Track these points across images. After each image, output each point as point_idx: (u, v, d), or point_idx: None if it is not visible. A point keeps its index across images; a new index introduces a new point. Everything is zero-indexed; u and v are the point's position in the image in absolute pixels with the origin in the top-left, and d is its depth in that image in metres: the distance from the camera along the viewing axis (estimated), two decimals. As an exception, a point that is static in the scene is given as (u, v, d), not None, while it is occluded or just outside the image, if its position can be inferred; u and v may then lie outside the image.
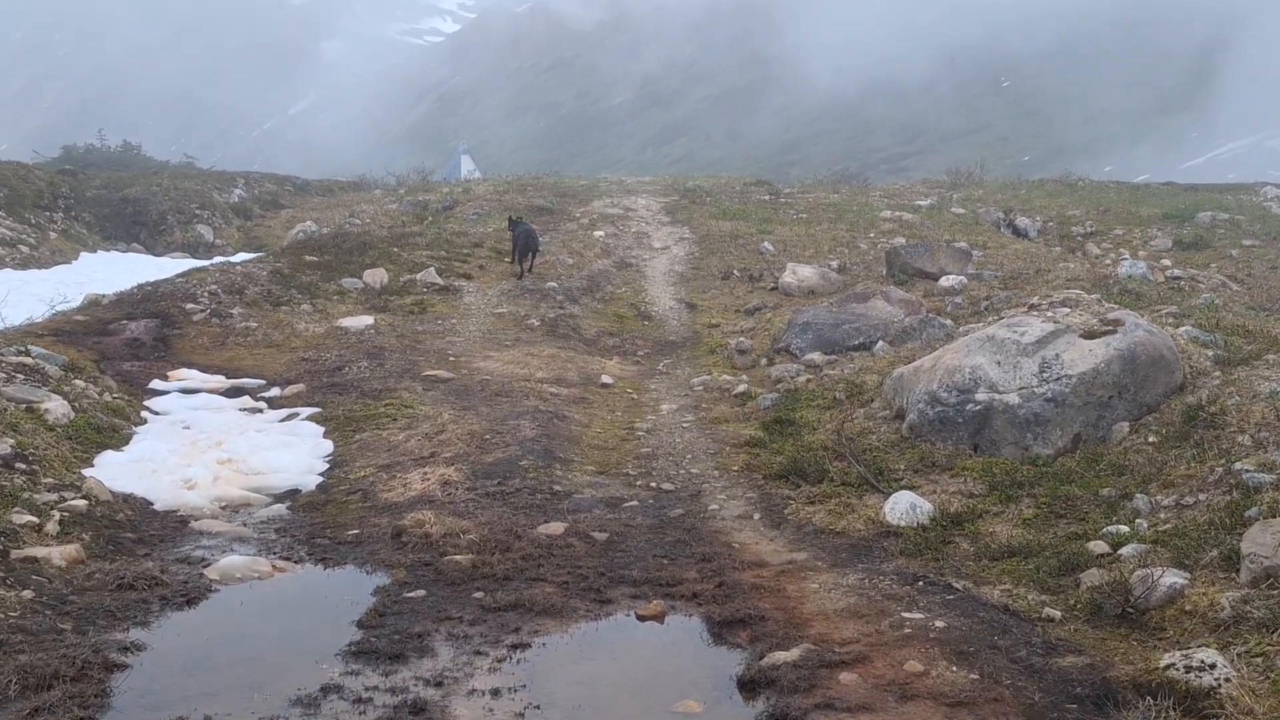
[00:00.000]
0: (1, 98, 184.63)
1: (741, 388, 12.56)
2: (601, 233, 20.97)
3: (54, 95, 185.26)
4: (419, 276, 17.22)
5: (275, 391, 12.31)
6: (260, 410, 11.66)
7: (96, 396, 10.94)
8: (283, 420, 11.28)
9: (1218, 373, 9.18)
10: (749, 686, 5.61)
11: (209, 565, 7.32)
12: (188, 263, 21.19)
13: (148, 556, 7.50)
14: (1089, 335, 9.12)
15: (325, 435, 10.78)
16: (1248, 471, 7.06)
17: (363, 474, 9.50)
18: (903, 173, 66.20)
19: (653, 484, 9.39)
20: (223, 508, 8.83)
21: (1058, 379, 8.87)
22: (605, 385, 13.07)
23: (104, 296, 15.62)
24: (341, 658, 5.90)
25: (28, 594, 6.44)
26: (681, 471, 9.76)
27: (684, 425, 11.36)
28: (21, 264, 20.80)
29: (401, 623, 6.35)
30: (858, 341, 13.74)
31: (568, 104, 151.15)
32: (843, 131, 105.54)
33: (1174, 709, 4.91)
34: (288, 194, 32.07)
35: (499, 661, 5.88)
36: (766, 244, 20.07)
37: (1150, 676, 5.28)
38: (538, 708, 5.38)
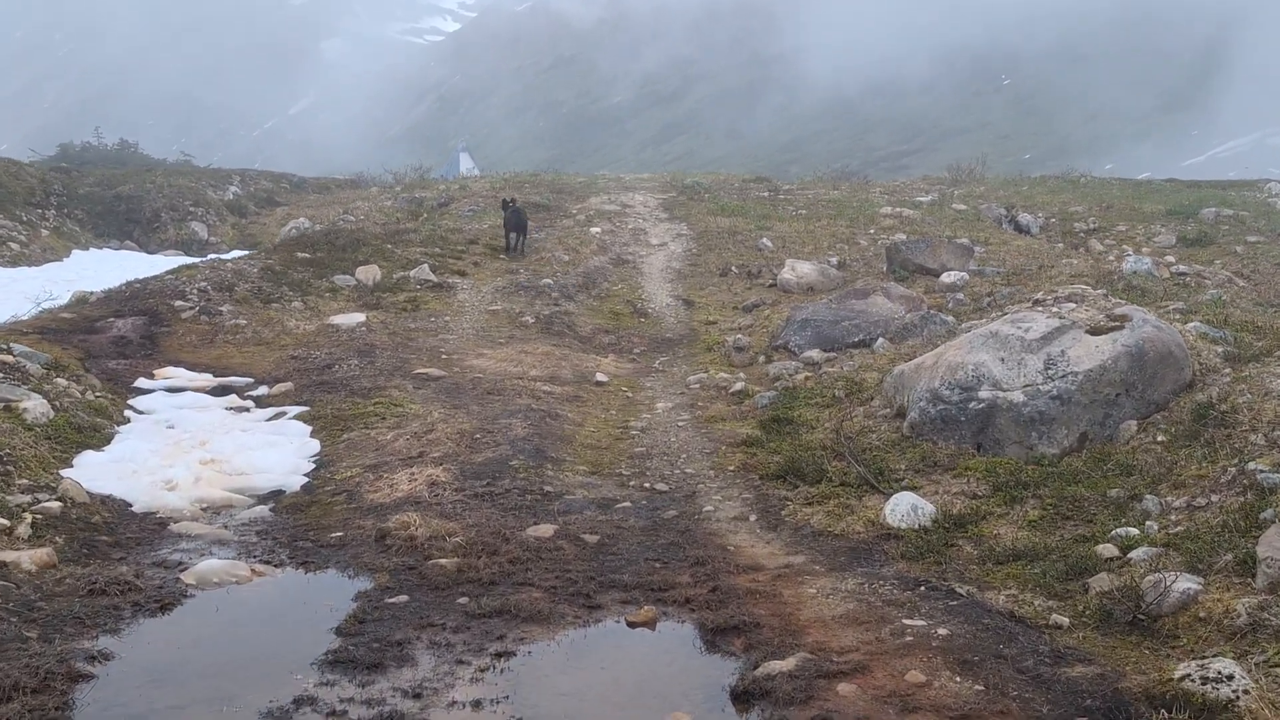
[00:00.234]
0: (1, 97, 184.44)
1: (739, 386, 12.31)
2: (598, 229, 20.71)
3: (54, 95, 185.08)
4: (412, 273, 16.97)
5: (263, 390, 12.06)
6: (247, 409, 11.40)
7: (79, 395, 10.69)
8: (269, 419, 11.03)
9: (1228, 370, 8.92)
10: (742, 698, 5.36)
11: (186, 569, 7.06)
12: (181, 260, 20.94)
13: (123, 560, 7.25)
14: (1095, 331, 8.87)
15: (312, 434, 10.52)
16: (1262, 472, 6.81)
17: (349, 474, 9.25)
18: (903, 171, 65.95)
19: (646, 484, 9.13)
20: (204, 509, 8.57)
21: (1063, 376, 8.61)
22: (600, 383, 12.82)
23: (92, 294, 15.37)
24: (318, 667, 5.65)
25: (-7, 600, 6.20)
26: (676, 471, 9.50)
27: (679, 424, 11.10)
28: (11, 261, 20.56)
29: (382, 630, 6.09)
30: (857, 339, 13.48)
31: (568, 103, 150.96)
32: (843, 130, 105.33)
33: (1190, 723, 4.67)
34: (283, 191, 31.84)
35: (481, 671, 5.63)
36: (765, 240, 19.81)
37: (1165, 688, 5.03)
38: (520, 720, 5.14)
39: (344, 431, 10.50)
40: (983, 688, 5.19)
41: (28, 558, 6.82)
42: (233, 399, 11.67)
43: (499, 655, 5.81)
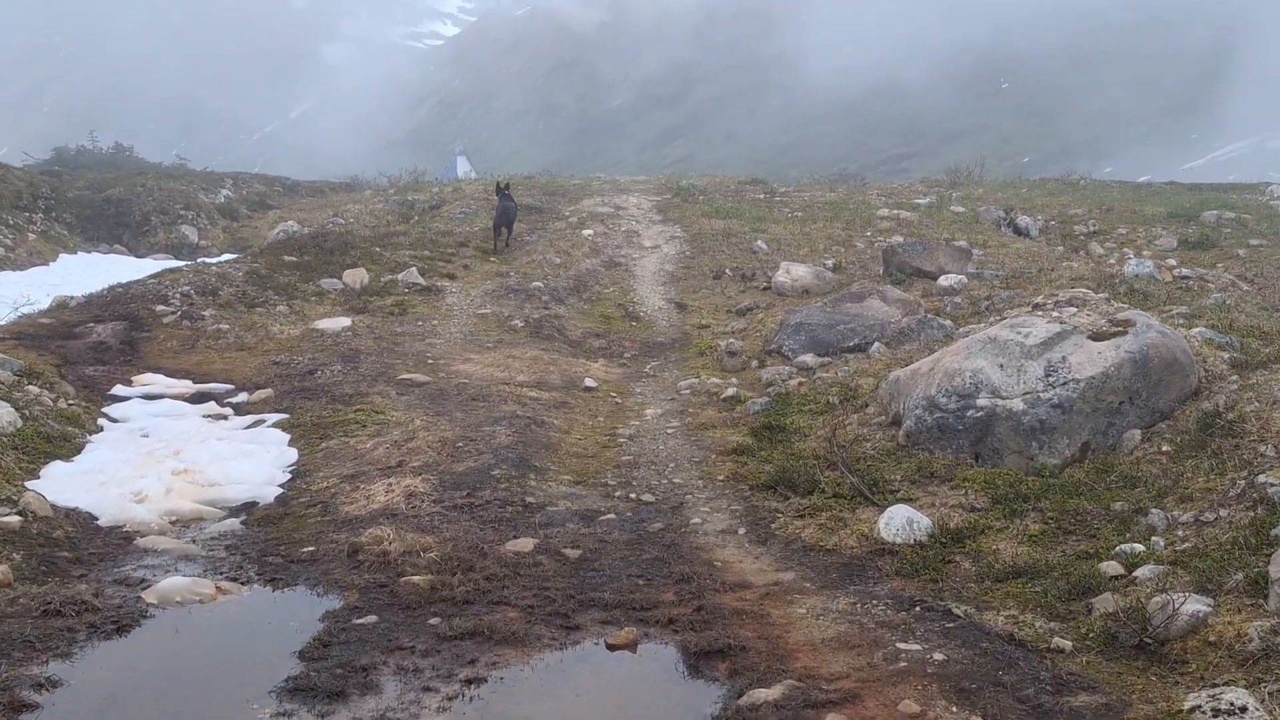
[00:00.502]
0: (1, 101, 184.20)
1: (730, 391, 12.00)
2: (590, 231, 20.40)
3: (54, 99, 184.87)
4: (400, 277, 16.66)
5: (243, 397, 11.74)
6: (225, 417, 11.08)
7: (50, 403, 10.37)
8: (247, 427, 10.71)
9: (1235, 377, 8.61)
10: (725, 729, 5.04)
11: (148, 587, 6.75)
12: (170, 264, 20.63)
13: (83, 578, 6.94)
14: (1098, 337, 8.56)
15: (291, 443, 10.20)
16: (1273, 485, 6.50)
17: (325, 485, 8.93)
18: (903, 173, 65.73)
19: (632, 495, 8.82)
20: (172, 523, 8.26)
21: (1065, 383, 8.30)
22: (588, 389, 12.51)
23: (72, 298, 15.06)
24: (276, 696, 5.33)
25: (-63, 622, 5.90)
26: (664, 481, 9.19)
27: (669, 431, 10.79)
28: (-6, 266, 20.25)
29: (347, 653, 5.78)
30: (853, 343, 13.18)
31: (568, 106, 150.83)
32: (842, 132, 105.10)
33: (1202, 759, 4.35)
34: (276, 194, 31.51)
35: (449, 699, 5.32)
36: (760, 242, 19.50)
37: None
38: (488, 754, 4.83)
39: (323, 440, 10.19)
40: (981, 719, 4.88)
41: (-20, 576, 6.51)
42: (211, 406, 11.36)
43: (469, 682, 5.49)
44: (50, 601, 6.32)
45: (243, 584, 6.96)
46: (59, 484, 8.65)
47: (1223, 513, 6.57)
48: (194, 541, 7.82)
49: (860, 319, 13.64)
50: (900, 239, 18.58)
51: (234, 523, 8.29)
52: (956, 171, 29.64)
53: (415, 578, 6.74)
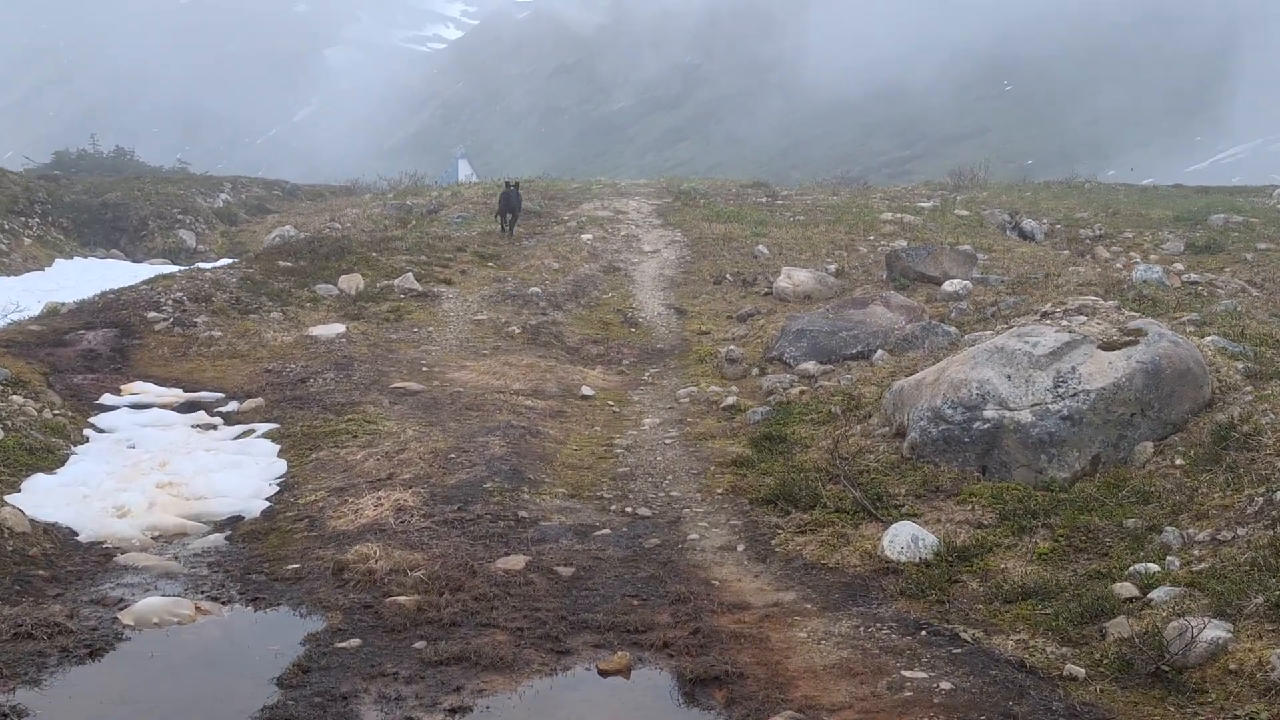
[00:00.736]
0: (3, 105, 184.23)
1: (730, 400, 11.75)
2: (589, 236, 20.16)
3: (58, 104, 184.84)
4: (397, 282, 16.42)
5: (233, 406, 11.51)
6: (214, 427, 10.85)
7: (35, 414, 10.14)
8: (236, 438, 10.48)
9: (1249, 387, 8.36)
10: (721, 764, 4.80)
11: (126, 608, 6.52)
12: (166, 269, 20.42)
13: (59, 598, 6.70)
14: (1108, 346, 8.30)
15: (280, 454, 9.97)
16: (1293, 502, 6.25)
17: (313, 498, 8.69)
18: (905, 176, 65.50)
19: (628, 509, 8.57)
20: (155, 538, 8.02)
21: (1074, 395, 8.04)
22: (585, 397, 12.27)
23: (64, 305, 14.84)
24: (251, 726, 5.10)
25: (-99, 648, 5.66)
26: (661, 495, 8.94)
27: (667, 441, 10.55)
28: (-12, 271, 20.03)
29: (327, 680, 5.54)
30: (856, 350, 12.93)
31: (570, 110, 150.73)
32: (844, 135, 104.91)
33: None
34: (275, 199, 31.30)
35: (432, 731, 5.08)
36: (761, 247, 19.26)
37: (1195, 757, 4.47)
38: (471, 792, 4.58)
39: (313, 451, 9.95)
40: (990, 754, 4.63)
41: (-51, 597, 6.28)
42: (200, 416, 11.13)
43: (453, 711, 5.26)
44: (22, 624, 6.08)
45: (224, 604, 6.73)
46: (40, 497, 8.43)
47: (1240, 531, 6.31)
48: (176, 558, 7.59)
49: (863, 325, 13.39)
50: (904, 243, 18.33)
51: (218, 538, 8.06)
52: (960, 174, 29.39)
53: (401, 598, 6.50)
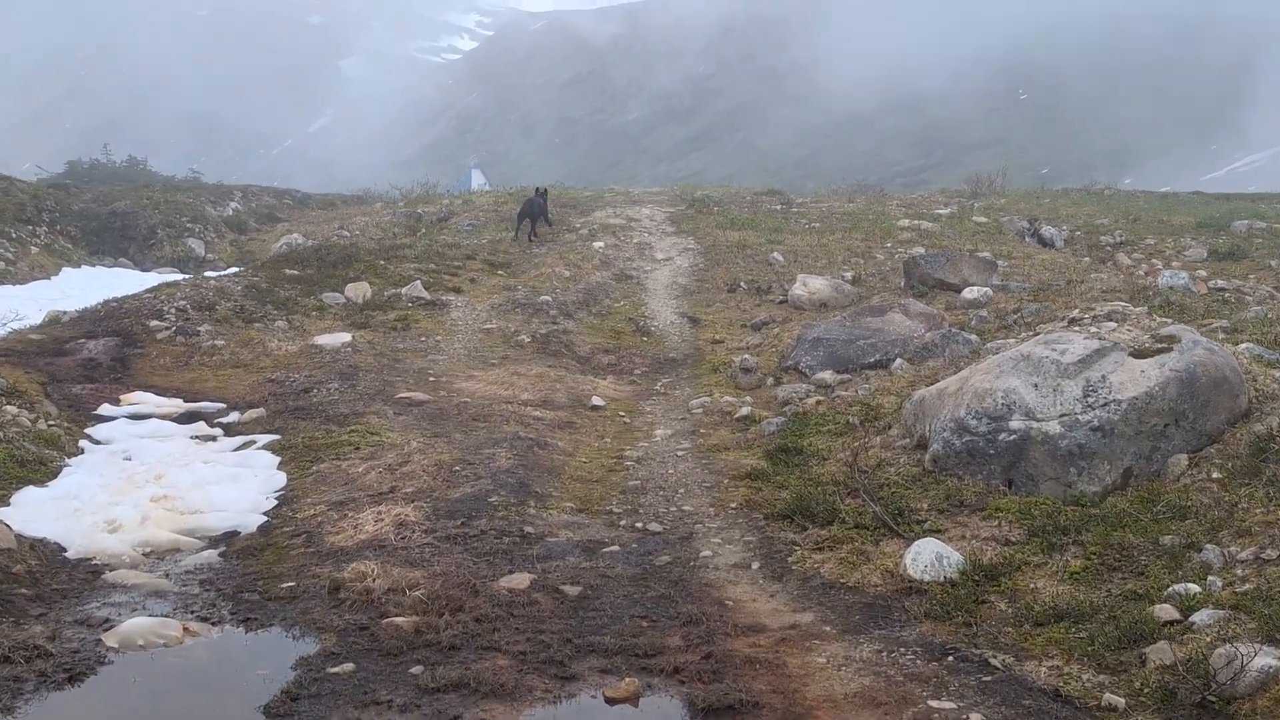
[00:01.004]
0: (22, 118, 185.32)
1: (744, 411, 11.40)
2: (601, 244, 19.85)
3: (74, 115, 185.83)
4: (404, 290, 16.13)
5: (234, 416, 11.22)
6: (214, 438, 10.57)
7: (29, 424, 9.88)
8: (236, 449, 10.20)
9: (1288, 396, 7.97)
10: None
11: (111, 628, 6.22)
12: (174, 277, 20.18)
13: (41, 618, 6.40)
14: (1140, 354, 7.94)
15: (280, 466, 9.67)
16: (1343, 519, 5.88)
17: (312, 512, 8.38)
18: (921, 185, 65.10)
19: (638, 524, 8.23)
20: (146, 554, 7.72)
21: (1105, 404, 7.68)
22: (596, 407, 11.95)
23: (65, 313, 14.60)
24: (232, 759, 4.78)
25: None
26: (672, 509, 8.60)
27: (679, 453, 10.21)
28: (-6, 280, 19.83)
29: (317, 709, 5.22)
30: (873, 359, 12.58)
31: (584, 119, 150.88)
32: (859, 144, 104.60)
33: None
34: (286, 207, 31.13)
35: (426, 765, 4.75)
36: (776, 254, 18.92)
37: (1251, 799, 4.11)
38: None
39: (314, 463, 9.65)
40: (1026, 794, 4.28)
41: (-76, 618, 5.98)
42: (200, 426, 10.85)
43: (450, 743, 4.93)
44: (-1, 646, 5.78)
45: (213, 625, 6.42)
46: (29, 511, 8.15)
47: (1287, 550, 5.94)
48: (167, 575, 7.29)
49: (881, 334, 13.04)
50: (921, 250, 17.99)
51: (212, 554, 7.75)
52: (978, 182, 29.01)
53: (399, 619, 6.18)
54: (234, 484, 9.14)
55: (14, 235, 22.37)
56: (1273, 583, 5.70)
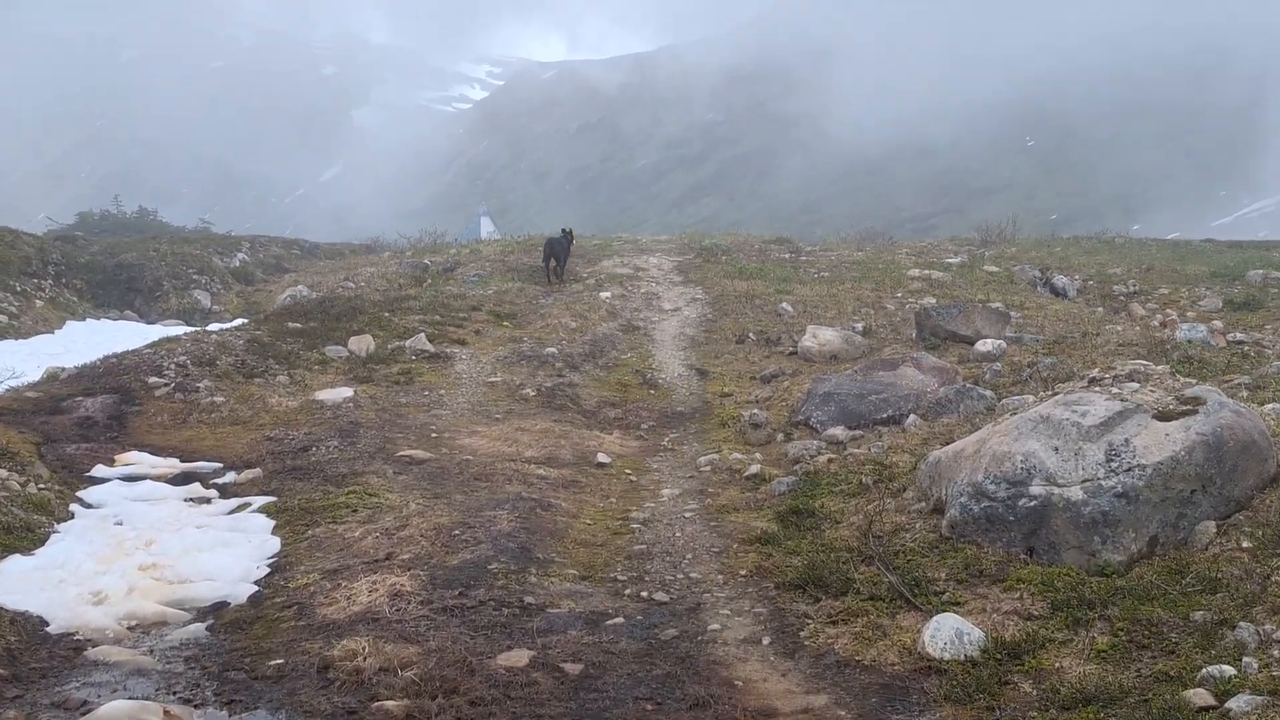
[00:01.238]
0: (38, 168, 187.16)
1: (754, 468, 11.10)
2: (608, 294, 19.65)
3: (89, 166, 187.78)
4: (408, 343, 15.92)
5: (231, 477, 10.95)
6: (208, 500, 10.29)
7: (18, 488, 9.62)
8: (230, 512, 9.91)
9: (1319, 460, 7.65)
10: None
11: (88, 712, 5.91)
12: (180, 330, 20.03)
13: (16, 700, 6.11)
14: (1164, 416, 7.64)
15: (275, 530, 9.38)
16: (1387, 596, 5.55)
17: (305, 581, 8.08)
18: (929, 232, 65.10)
19: (644, 593, 7.91)
20: (131, 628, 7.42)
21: (1129, 469, 7.36)
22: (601, 465, 11.66)
23: (63, 370, 14.39)
24: None
25: None
26: (679, 576, 8.28)
27: (686, 515, 9.90)
28: (-4, 334, 19.67)
29: (298, 805, 4.90)
30: (886, 414, 12.28)
31: (594, 167, 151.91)
32: (867, 190, 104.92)
33: None
34: (294, 258, 31.06)
35: None
36: (785, 304, 18.69)
37: None
38: None
39: (310, 527, 9.36)
40: None
41: (-109, 702, 5.69)
42: (195, 488, 10.58)
43: (438, 846, 4.61)
44: (-32, 734, 5.49)
45: (196, 707, 6.11)
46: (12, 582, 7.86)
47: (1329, 630, 5.61)
48: (151, 652, 6.98)
49: (893, 388, 12.76)
50: (933, 300, 17.75)
51: (199, 628, 7.44)
52: (988, 229, 28.84)
53: (389, 703, 5.86)
54: (226, 550, 8.85)
55: (18, 289, 22.26)
56: (1315, 666, 5.37)
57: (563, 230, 21.88)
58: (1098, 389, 8.18)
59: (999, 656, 6.21)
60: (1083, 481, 7.44)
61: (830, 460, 10.91)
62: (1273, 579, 6.45)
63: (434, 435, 12.39)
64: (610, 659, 6.64)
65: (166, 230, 43.66)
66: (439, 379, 14.88)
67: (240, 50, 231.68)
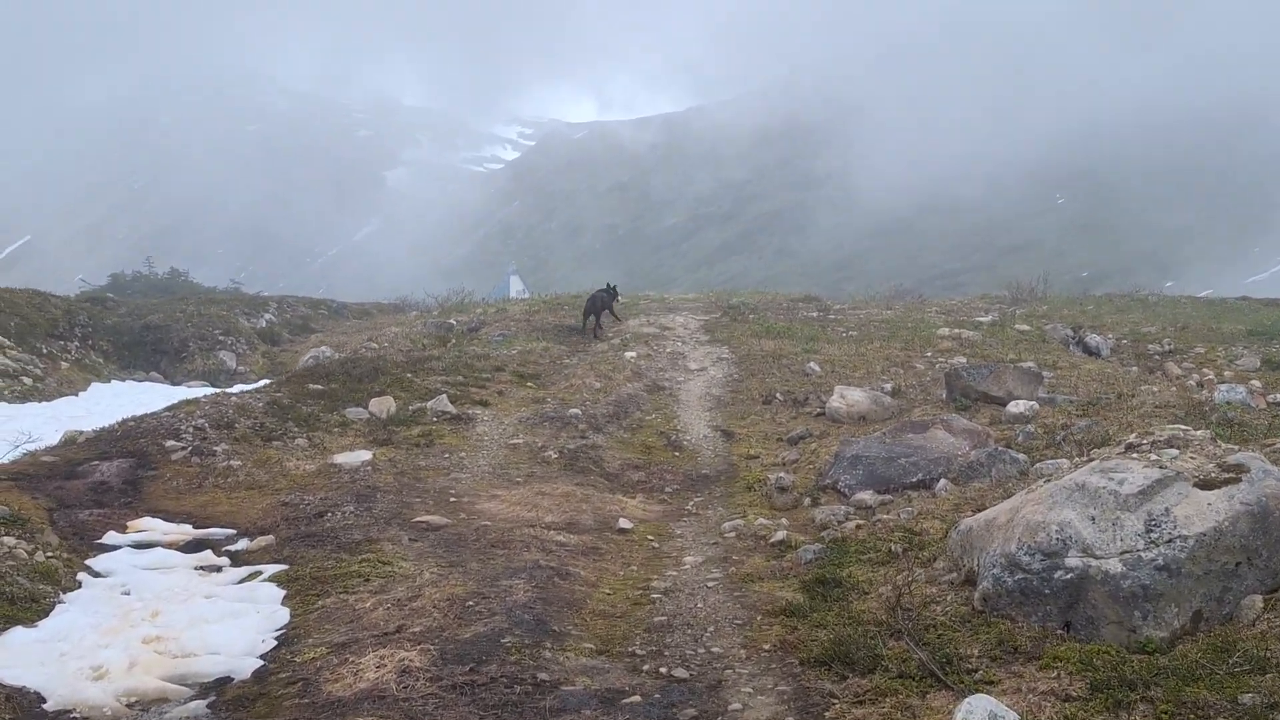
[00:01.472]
0: (78, 229, 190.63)
1: (780, 535, 10.76)
2: (633, 353, 19.44)
3: (128, 227, 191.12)
4: (430, 404, 15.74)
5: (243, 544, 10.73)
6: (219, 569, 10.06)
7: (26, 556, 9.43)
8: (241, 581, 9.68)
9: (1372, 530, 7.26)
10: None
11: (78, 797, 5.65)
12: (205, 391, 19.97)
13: (4, 783, 5.86)
14: (1206, 484, 7.28)
15: (285, 600, 9.13)
16: None
17: (311, 655, 7.81)
18: (959, 289, 64.77)
19: (663, 668, 7.58)
20: (130, 705, 7.16)
21: (1169, 541, 7.01)
22: (623, 530, 11.36)
23: (82, 433, 14.28)
24: None
25: None
26: (700, 650, 7.94)
27: (709, 584, 9.57)
28: (21, 396, 19.67)
29: None
30: (916, 478, 11.93)
31: (624, 225, 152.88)
32: (896, 248, 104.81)
33: None
34: (321, 318, 31.14)
35: None
36: (813, 364, 18.41)
37: None
38: None
39: (320, 597, 9.10)
40: None
41: None
42: (206, 555, 10.35)
43: None
44: (-52, 823, 5.23)
45: (190, 792, 5.83)
46: (12, 655, 7.64)
47: (1393, 718, 5.23)
48: (149, 731, 6.72)
49: (923, 451, 12.41)
50: (963, 360, 17.41)
51: (200, 705, 7.17)
52: (1018, 287, 28.52)
53: (390, 790, 5.57)
54: (234, 622, 8.60)
55: (45, 351, 22.32)
56: (1379, 758, 4.98)
57: (606, 286, 22.35)
58: (1135, 455, 7.84)
59: (1036, 743, 5.84)
60: (1121, 553, 7.09)
61: (858, 526, 10.59)
62: (1327, 659, 6.06)
63: (452, 500, 12.15)
64: (625, 742, 6.32)
65: (196, 291, 44.00)
66: (460, 441, 14.67)
67: (276, 113, 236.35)
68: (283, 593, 9.30)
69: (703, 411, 16.79)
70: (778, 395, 17.05)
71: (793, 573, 9.62)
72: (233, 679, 7.63)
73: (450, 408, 15.75)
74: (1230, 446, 8.18)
